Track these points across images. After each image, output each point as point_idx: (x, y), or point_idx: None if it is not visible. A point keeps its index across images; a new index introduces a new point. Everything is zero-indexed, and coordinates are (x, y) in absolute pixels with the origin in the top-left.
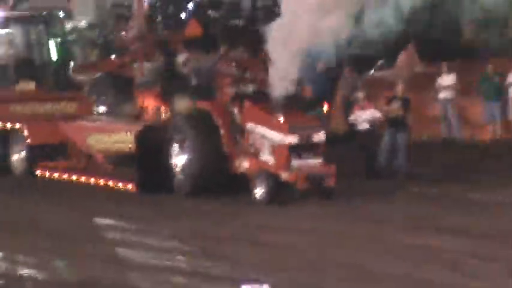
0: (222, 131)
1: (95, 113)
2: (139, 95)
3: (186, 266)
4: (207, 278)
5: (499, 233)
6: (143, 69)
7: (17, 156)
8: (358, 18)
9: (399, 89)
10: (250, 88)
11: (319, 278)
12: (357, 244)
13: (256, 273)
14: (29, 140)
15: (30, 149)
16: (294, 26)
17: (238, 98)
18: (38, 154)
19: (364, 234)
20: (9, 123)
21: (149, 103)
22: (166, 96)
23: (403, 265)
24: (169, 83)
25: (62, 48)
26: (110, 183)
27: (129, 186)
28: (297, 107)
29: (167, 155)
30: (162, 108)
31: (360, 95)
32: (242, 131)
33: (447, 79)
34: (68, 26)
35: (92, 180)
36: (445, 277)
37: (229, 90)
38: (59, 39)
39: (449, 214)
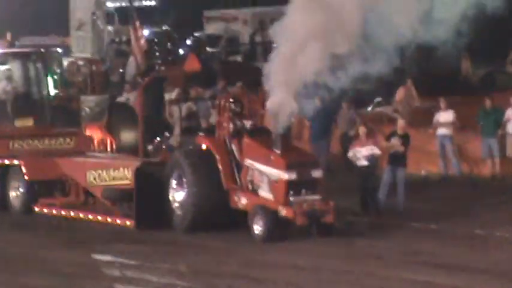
0: (220, 167)
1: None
2: (85, 127)
3: None
4: None
5: (497, 269)
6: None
7: (15, 193)
8: (356, 54)
9: (399, 125)
10: (248, 124)
11: None
12: (356, 281)
13: None
14: (27, 176)
15: (29, 185)
16: (292, 62)
17: (237, 134)
18: (36, 190)
19: (362, 270)
20: (7, 159)
21: (95, 135)
22: (112, 129)
23: None
24: (116, 116)
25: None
26: (109, 219)
27: (128, 222)
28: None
29: (166, 191)
30: (108, 140)
31: (359, 131)
32: (241, 167)
33: (445, 115)
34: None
35: (91, 216)
36: None
37: (228, 126)
38: (57, 76)
39: (448, 250)
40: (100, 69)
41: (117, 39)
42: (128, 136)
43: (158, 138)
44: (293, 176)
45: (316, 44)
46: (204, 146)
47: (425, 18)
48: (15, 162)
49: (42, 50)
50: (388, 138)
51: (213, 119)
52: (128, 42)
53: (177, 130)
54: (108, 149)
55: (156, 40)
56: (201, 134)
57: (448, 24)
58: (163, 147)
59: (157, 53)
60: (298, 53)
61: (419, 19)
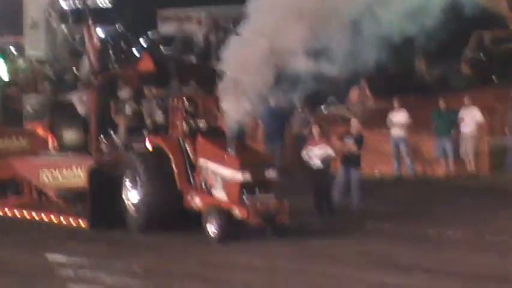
0: (174, 167)
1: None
2: (27, 126)
3: None
4: None
5: (449, 269)
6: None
7: None
8: (310, 54)
9: (353, 125)
10: (203, 124)
11: None
12: (310, 281)
13: None
14: None
15: None
16: (245, 62)
17: (191, 134)
18: None
19: (317, 271)
20: None
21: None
22: (54, 129)
23: None
24: (58, 115)
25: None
26: (62, 219)
27: (81, 222)
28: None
29: (119, 191)
30: (50, 140)
31: (313, 130)
32: (195, 167)
33: (399, 115)
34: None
35: (44, 216)
36: None
37: (182, 126)
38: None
39: (402, 250)
40: (43, 68)
41: (70, 39)
42: (70, 135)
43: (102, 137)
44: (247, 176)
45: (267, 44)
46: (149, 146)
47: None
48: None
49: None
50: (341, 138)
51: (159, 119)
52: (82, 41)
53: (122, 129)
54: (50, 147)
55: (110, 40)
56: (145, 133)
57: (402, 23)
58: (108, 145)
59: (111, 53)
60: (250, 54)
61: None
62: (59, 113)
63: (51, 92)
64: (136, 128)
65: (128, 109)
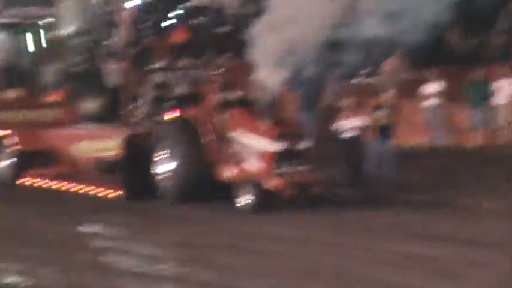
0: (206, 139)
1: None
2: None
3: (173, 273)
4: (194, 284)
5: (487, 239)
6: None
7: (6, 163)
8: (344, 24)
9: (386, 96)
10: (236, 95)
11: (304, 286)
12: (344, 252)
13: (241, 279)
14: (17, 147)
15: (19, 155)
16: (278, 31)
17: (224, 105)
18: (27, 161)
19: (351, 242)
20: None
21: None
22: (74, 98)
23: (390, 273)
24: (77, 84)
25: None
26: (96, 190)
27: (116, 193)
28: (283, 114)
29: (152, 163)
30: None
31: (346, 102)
32: (227, 138)
33: (433, 86)
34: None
35: (80, 187)
36: (433, 284)
37: (215, 97)
38: (46, 46)
39: (437, 221)
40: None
41: (103, 10)
42: (91, 104)
43: (130, 107)
44: (281, 147)
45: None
46: (171, 116)
47: None
48: (6, 132)
49: (28, 21)
50: (374, 109)
51: (183, 90)
52: (116, 13)
53: (147, 99)
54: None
55: (142, 12)
56: (169, 104)
57: None
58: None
59: (144, 24)
60: (284, 22)
61: None
62: (78, 83)
63: (71, 63)
64: (160, 99)
65: (153, 80)
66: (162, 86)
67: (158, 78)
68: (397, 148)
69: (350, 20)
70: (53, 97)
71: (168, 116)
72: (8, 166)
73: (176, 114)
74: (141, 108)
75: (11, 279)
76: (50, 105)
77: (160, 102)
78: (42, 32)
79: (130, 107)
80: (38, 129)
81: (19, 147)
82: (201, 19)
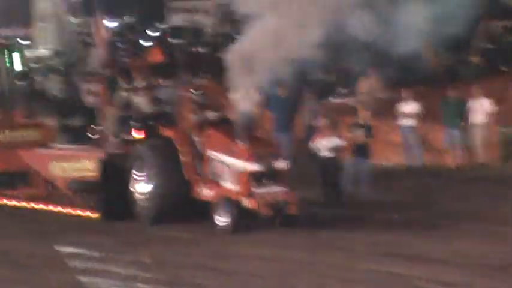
0: (184, 158)
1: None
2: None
3: None
4: None
5: (459, 260)
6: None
7: None
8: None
9: (362, 116)
10: (212, 115)
11: None
12: (320, 272)
13: None
14: None
15: None
16: (254, 52)
17: (201, 125)
18: (1, 182)
19: (327, 262)
20: None
21: None
22: (49, 117)
23: None
24: (34, 103)
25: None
26: (72, 211)
27: (91, 214)
28: (260, 134)
29: (129, 183)
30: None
31: (322, 122)
32: (204, 158)
33: (409, 106)
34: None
35: (54, 208)
36: None
37: (193, 117)
38: (21, 67)
39: (412, 241)
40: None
41: (80, 31)
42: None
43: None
44: (257, 167)
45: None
46: (136, 135)
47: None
48: None
49: (6, 41)
50: (351, 129)
51: (146, 109)
52: (91, 33)
53: (111, 119)
54: None
55: (119, 32)
56: (133, 123)
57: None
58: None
59: (120, 45)
60: (259, 43)
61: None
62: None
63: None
64: (128, 119)
65: (125, 100)
66: (133, 106)
67: (131, 97)
68: (373, 168)
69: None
70: (27, 117)
71: (136, 135)
72: None
73: (142, 134)
74: (112, 127)
75: None
76: (25, 126)
77: (128, 122)
78: (19, 52)
79: (102, 127)
80: (13, 149)
81: None
82: (178, 39)
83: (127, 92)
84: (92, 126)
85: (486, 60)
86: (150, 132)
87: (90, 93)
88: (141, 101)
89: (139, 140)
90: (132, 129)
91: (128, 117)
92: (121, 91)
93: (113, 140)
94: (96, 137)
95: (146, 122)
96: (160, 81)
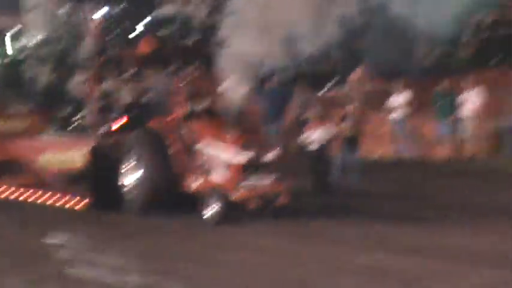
0: (172, 150)
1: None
2: None
3: (138, 284)
4: None
5: (449, 252)
6: None
7: None
8: (309, 36)
9: (352, 107)
10: (201, 106)
11: None
12: (309, 263)
13: None
14: None
15: None
16: (243, 44)
17: (190, 116)
18: None
19: (316, 253)
20: None
21: None
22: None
23: (354, 284)
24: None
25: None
26: (61, 201)
27: (80, 204)
28: (249, 125)
29: (118, 173)
30: None
31: (312, 113)
32: (193, 149)
33: (399, 98)
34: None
35: (43, 198)
36: None
37: (182, 108)
38: (9, 57)
39: (400, 232)
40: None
41: (70, 21)
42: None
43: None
44: (246, 158)
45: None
46: (116, 126)
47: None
48: None
49: None
50: (340, 121)
51: (126, 100)
52: (81, 23)
53: (91, 109)
54: None
55: (109, 22)
56: (114, 114)
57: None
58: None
59: (110, 35)
60: (250, 33)
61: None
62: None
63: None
64: (108, 108)
65: (109, 90)
66: (114, 96)
67: (114, 88)
68: (362, 159)
69: (316, 31)
70: (15, 107)
71: (115, 125)
72: None
73: (114, 124)
74: (94, 118)
75: None
76: (15, 116)
77: (109, 112)
78: (9, 41)
79: (81, 115)
80: (3, 139)
81: None
82: (168, 29)
83: (114, 82)
84: (79, 116)
85: (477, 53)
86: (132, 123)
87: (79, 83)
88: (124, 92)
89: (128, 131)
90: (112, 119)
91: (108, 107)
92: (107, 81)
93: (97, 130)
94: (82, 127)
95: (126, 113)
96: (150, 71)
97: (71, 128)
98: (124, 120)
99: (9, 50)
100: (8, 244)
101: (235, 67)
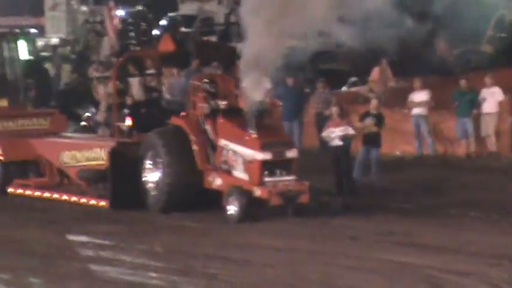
0: (195, 147)
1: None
2: None
3: (160, 282)
4: None
5: (471, 249)
6: None
7: None
8: (330, 34)
9: (373, 105)
10: (223, 104)
11: None
12: (330, 261)
13: None
14: (1, 157)
15: (3, 166)
16: (264, 42)
17: (212, 114)
18: (11, 171)
19: (337, 251)
20: None
21: None
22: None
23: (376, 282)
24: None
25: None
26: (83, 200)
27: (102, 203)
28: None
29: (140, 172)
30: None
31: (333, 110)
32: (215, 147)
33: (420, 95)
34: (41, 42)
35: (65, 197)
36: None
37: (204, 106)
38: (31, 56)
39: (423, 230)
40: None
41: (91, 20)
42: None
43: (87, 114)
44: (267, 156)
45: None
46: (128, 123)
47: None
48: None
49: (17, 30)
50: (362, 118)
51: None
52: (102, 22)
53: (103, 106)
54: None
55: (130, 20)
56: (135, 112)
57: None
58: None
59: (131, 34)
60: (269, 32)
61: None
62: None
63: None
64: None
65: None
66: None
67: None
68: (384, 157)
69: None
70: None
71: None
72: None
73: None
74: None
75: None
76: (36, 115)
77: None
78: (30, 41)
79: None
80: (23, 139)
81: (2, 157)
82: (189, 28)
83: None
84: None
85: (498, 50)
86: (153, 121)
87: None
88: (145, 90)
89: (150, 128)
90: (133, 117)
91: (129, 105)
92: (128, 79)
93: (119, 128)
94: (104, 125)
95: (147, 110)
96: (171, 69)
97: (92, 126)
98: (145, 118)
99: (32, 50)
100: (30, 243)
101: (255, 65)
